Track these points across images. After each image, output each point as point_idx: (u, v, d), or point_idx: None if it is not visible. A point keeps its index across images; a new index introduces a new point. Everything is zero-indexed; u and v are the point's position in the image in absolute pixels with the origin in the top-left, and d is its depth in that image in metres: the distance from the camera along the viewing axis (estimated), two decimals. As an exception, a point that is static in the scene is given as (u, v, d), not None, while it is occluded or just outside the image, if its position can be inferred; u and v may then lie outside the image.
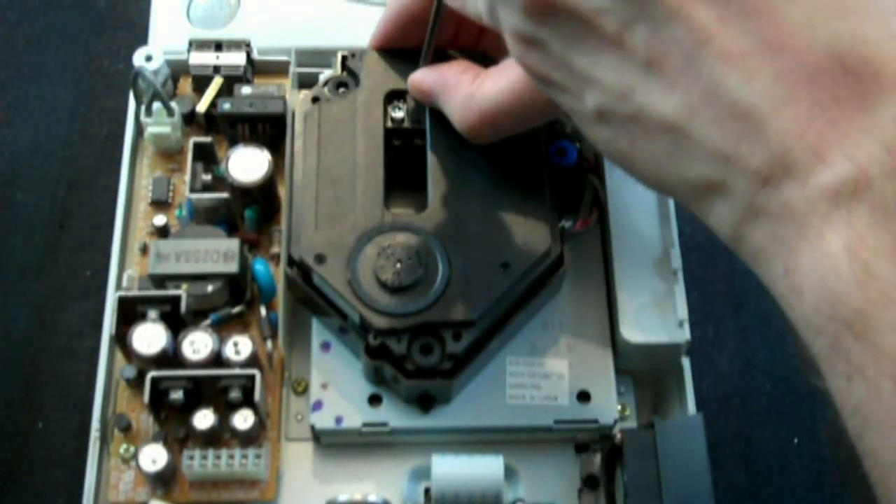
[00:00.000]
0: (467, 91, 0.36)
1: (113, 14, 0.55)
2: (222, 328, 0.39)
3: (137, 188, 0.44)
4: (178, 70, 0.45)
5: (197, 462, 0.37)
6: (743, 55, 0.24)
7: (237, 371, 0.37)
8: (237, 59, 0.44)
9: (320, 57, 0.45)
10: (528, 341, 0.40)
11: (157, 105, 0.43)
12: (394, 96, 0.42)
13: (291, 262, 0.39)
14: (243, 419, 0.37)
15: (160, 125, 0.43)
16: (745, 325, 0.50)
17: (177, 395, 0.37)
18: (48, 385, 0.45)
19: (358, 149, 0.40)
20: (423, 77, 0.39)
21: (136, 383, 0.38)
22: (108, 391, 0.39)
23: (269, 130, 0.43)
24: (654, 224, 0.42)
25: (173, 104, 0.43)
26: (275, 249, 0.42)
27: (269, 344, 0.40)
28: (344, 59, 0.42)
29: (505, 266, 0.38)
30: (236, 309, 0.40)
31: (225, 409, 0.37)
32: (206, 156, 0.42)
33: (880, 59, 0.24)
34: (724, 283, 0.51)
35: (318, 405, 0.39)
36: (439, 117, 0.41)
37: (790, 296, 0.25)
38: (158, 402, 0.37)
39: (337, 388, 0.39)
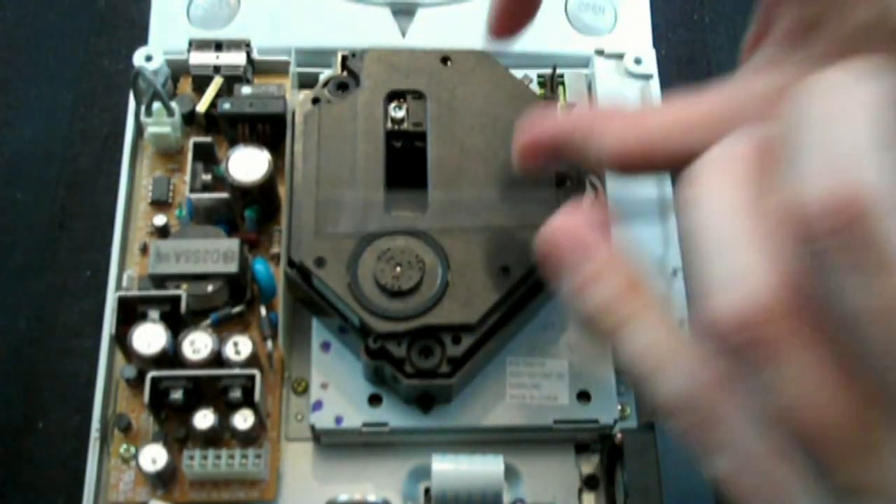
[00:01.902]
0: (629, 118, 0.32)
1: (113, 14, 0.55)
2: (222, 328, 0.39)
3: (137, 188, 0.44)
4: (178, 70, 0.45)
5: (197, 462, 0.37)
6: None
7: (237, 371, 0.37)
8: (237, 59, 0.44)
9: (320, 57, 0.45)
10: (528, 341, 0.40)
11: (157, 105, 0.43)
12: (394, 96, 0.42)
13: (291, 263, 0.39)
14: (243, 419, 0.37)
15: (160, 125, 0.43)
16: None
17: (177, 395, 0.37)
18: (48, 385, 0.45)
19: (358, 151, 0.40)
20: (547, 120, 0.35)
21: (136, 383, 0.38)
22: (108, 391, 0.39)
23: (269, 130, 0.43)
24: (654, 224, 0.42)
25: (173, 104, 0.43)
26: (275, 249, 0.42)
27: (269, 344, 0.40)
28: (344, 59, 0.42)
29: (505, 269, 0.38)
30: (236, 309, 0.40)
31: (225, 409, 0.37)
32: (206, 156, 0.42)
33: None
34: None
35: (318, 405, 0.39)
36: (440, 119, 0.41)
37: None
38: (158, 402, 0.37)
39: (337, 388, 0.39)
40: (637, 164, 0.32)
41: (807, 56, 0.30)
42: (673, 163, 0.31)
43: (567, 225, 0.27)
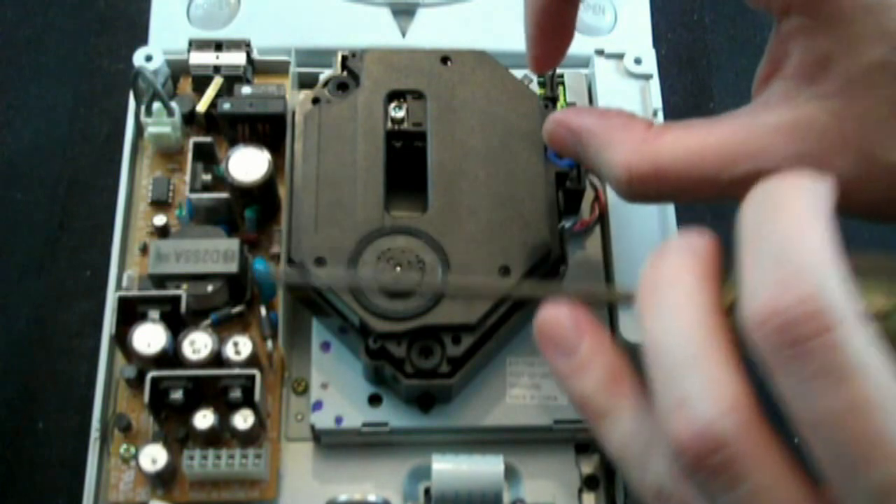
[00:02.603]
0: (642, 135, 0.32)
1: (113, 14, 0.55)
2: (222, 328, 0.39)
3: (137, 188, 0.44)
4: (178, 70, 0.45)
5: (197, 462, 0.37)
6: None
7: (237, 371, 0.37)
8: (237, 59, 0.44)
9: (320, 57, 0.45)
10: (528, 341, 0.40)
11: (157, 105, 0.43)
12: (394, 96, 0.42)
13: (292, 263, 0.39)
14: (243, 419, 0.37)
15: (160, 125, 0.43)
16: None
17: (177, 395, 0.37)
18: (48, 385, 0.45)
19: (358, 151, 0.40)
20: (575, 115, 0.35)
21: (136, 383, 0.38)
22: (108, 391, 0.39)
23: (269, 130, 0.43)
24: (654, 224, 0.42)
25: (173, 104, 0.43)
26: (275, 249, 0.42)
27: (269, 344, 0.40)
28: (344, 59, 0.42)
29: (505, 269, 0.38)
30: (236, 309, 0.40)
31: (225, 409, 0.37)
32: (206, 156, 0.42)
33: None
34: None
35: (318, 405, 0.39)
36: (440, 119, 0.41)
37: None
38: (158, 402, 0.37)
39: (337, 388, 0.39)
40: (646, 184, 0.32)
41: (819, 93, 0.30)
42: (678, 189, 0.31)
43: (554, 317, 0.28)
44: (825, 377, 0.22)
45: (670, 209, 0.43)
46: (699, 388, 0.24)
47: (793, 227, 0.23)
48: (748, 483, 0.23)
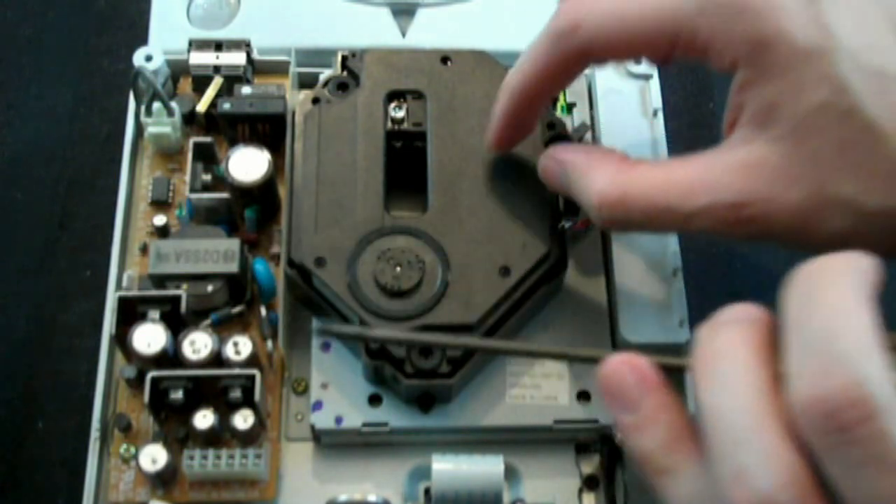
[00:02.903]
0: (616, 166, 0.35)
1: (113, 14, 0.55)
2: (222, 328, 0.39)
3: (137, 188, 0.44)
4: (178, 70, 0.45)
5: (197, 462, 0.37)
6: None
7: (237, 371, 0.37)
8: (237, 59, 0.44)
9: (320, 57, 0.45)
10: (528, 341, 0.40)
11: (157, 105, 0.43)
12: (394, 96, 0.42)
13: (291, 263, 0.39)
14: (243, 419, 0.37)
15: (160, 125, 0.43)
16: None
17: (177, 395, 0.37)
18: (48, 385, 0.45)
19: (358, 151, 0.40)
20: (563, 150, 0.37)
21: (136, 383, 0.38)
22: (108, 391, 0.39)
23: (269, 130, 0.43)
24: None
25: (173, 104, 0.43)
26: (275, 249, 0.42)
27: (269, 344, 0.40)
28: (344, 59, 0.43)
29: (505, 269, 0.38)
30: (236, 309, 0.40)
31: (225, 409, 0.37)
32: (206, 156, 0.42)
33: None
34: (723, 283, 0.50)
35: (318, 405, 0.39)
36: (440, 119, 0.41)
37: None
38: (158, 402, 0.37)
39: (337, 388, 0.39)
40: (614, 210, 0.34)
41: (771, 137, 0.32)
42: (645, 217, 0.33)
43: (618, 371, 0.28)
44: (871, 465, 0.23)
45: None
46: (757, 460, 0.24)
47: (835, 313, 0.24)
48: None
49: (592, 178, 0.35)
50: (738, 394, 0.25)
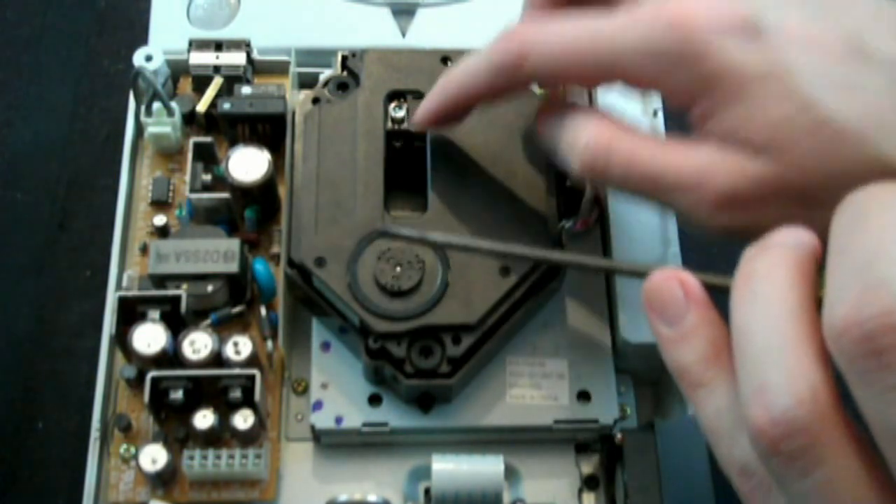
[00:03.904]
0: (612, 122, 0.35)
1: (113, 14, 0.55)
2: (222, 328, 0.39)
3: (137, 188, 0.44)
4: (178, 70, 0.45)
5: (197, 462, 0.37)
6: None
7: (237, 371, 0.37)
8: (237, 59, 0.44)
9: (320, 57, 0.45)
10: (528, 341, 0.40)
11: (157, 105, 0.43)
12: (394, 96, 0.42)
13: (291, 263, 0.39)
14: (243, 419, 0.37)
15: (160, 125, 0.43)
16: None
17: (177, 395, 0.37)
18: (48, 385, 0.45)
19: (358, 151, 0.40)
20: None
21: (136, 383, 0.38)
22: (108, 391, 0.39)
23: (269, 130, 0.43)
24: (654, 224, 0.42)
25: (173, 104, 0.43)
26: (275, 249, 0.42)
27: (269, 344, 0.40)
28: (344, 59, 0.43)
29: (505, 269, 0.38)
30: (236, 309, 0.40)
31: (225, 409, 0.37)
32: (206, 156, 0.42)
33: None
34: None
35: (318, 405, 0.39)
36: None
37: None
38: (158, 402, 0.37)
39: (337, 388, 0.39)
40: (597, 158, 0.34)
41: (750, 153, 0.31)
42: (625, 174, 0.33)
43: (664, 283, 0.28)
44: None
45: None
46: (780, 376, 0.24)
47: (881, 238, 0.24)
48: (821, 471, 0.24)
49: (585, 124, 0.35)
50: (769, 313, 0.25)
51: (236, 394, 0.37)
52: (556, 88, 0.40)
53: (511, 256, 0.37)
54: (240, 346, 0.38)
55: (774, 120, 0.31)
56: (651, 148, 0.33)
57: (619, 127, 0.34)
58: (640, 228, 0.42)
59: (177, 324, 0.38)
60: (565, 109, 0.36)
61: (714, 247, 0.49)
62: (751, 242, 0.28)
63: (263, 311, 0.40)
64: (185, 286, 0.38)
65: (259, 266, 0.40)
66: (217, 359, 0.38)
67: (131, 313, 0.38)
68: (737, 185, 0.31)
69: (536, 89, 0.46)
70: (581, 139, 0.34)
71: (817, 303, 0.25)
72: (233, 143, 0.42)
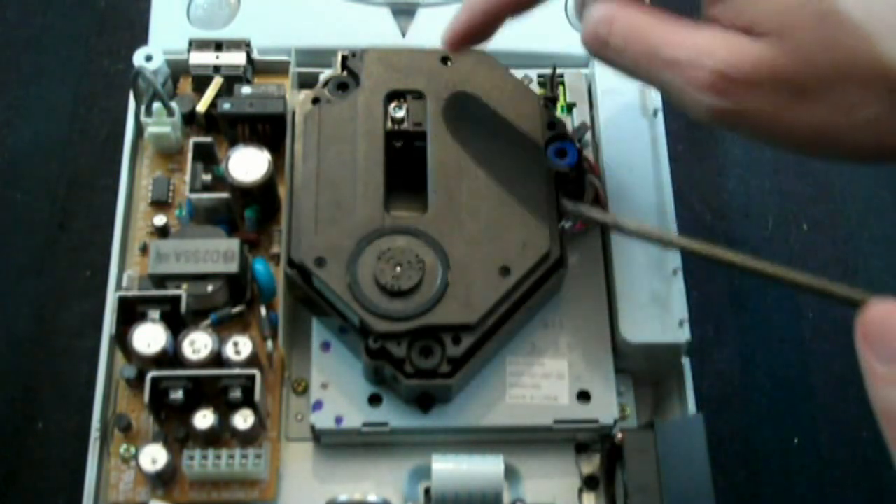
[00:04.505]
0: None
1: (113, 14, 0.55)
2: (222, 328, 0.39)
3: (137, 188, 0.44)
4: (178, 70, 0.45)
5: (197, 462, 0.37)
6: None
7: (237, 371, 0.37)
8: (237, 59, 0.44)
9: (320, 57, 0.45)
10: (528, 341, 0.40)
11: (157, 105, 0.43)
12: (394, 96, 0.42)
13: (291, 263, 0.39)
14: (243, 419, 0.37)
15: (160, 125, 0.43)
16: (745, 325, 0.50)
17: (177, 395, 0.37)
18: (48, 385, 0.45)
19: (358, 151, 0.40)
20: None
21: (136, 383, 0.38)
22: (108, 391, 0.39)
23: (269, 130, 0.43)
24: (654, 224, 0.42)
25: (173, 104, 0.43)
26: (275, 249, 0.42)
27: (269, 344, 0.40)
28: (344, 59, 0.43)
29: (505, 269, 0.38)
30: (236, 309, 0.40)
31: (225, 409, 0.37)
32: (206, 156, 0.42)
33: None
34: (724, 283, 0.51)
35: (318, 405, 0.39)
36: (440, 119, 0.41)
37: None
38: (158, 402, 0.37)
39: (337, 388, 0.39)
40: (599, 29, 0.34)
41: (755, 34, 0.32)
42: (626, 46, 0.34)
43: (884, 317, 0.26)
44: None
45: (671, 210, 0.43)
46: None
47: None
48: None
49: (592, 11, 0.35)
50: None
51: (236, 394, 0.37)
52: None
53: (711, 258, 0.36)
54: (240, 346, 0.38)
55: (783, 4, 0.31)
56: (653, 23, 0.34)
57: (628, 1, 0.35)
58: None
59: (177, 324, 0.38)
60: None
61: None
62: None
63: (263, 311, 0.40)
64: (185, 286, 0.38)
65: (259, 266, 0.40)
66: (217, 359, 0.38)
67: (131, 313, 0.38)
68: (733, 64, 0.31)
69: (537, 89, 0.46)
70: (592, 12, 0.35)
71: None
72: (233, 143, 0.42)
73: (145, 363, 0.37)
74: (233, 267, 0.39)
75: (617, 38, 0.34)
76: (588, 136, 0.45)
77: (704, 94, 0.32)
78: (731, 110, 0.32)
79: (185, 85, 0.45)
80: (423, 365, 0.37)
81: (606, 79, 0.46)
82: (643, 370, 0.42)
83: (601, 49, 0.35)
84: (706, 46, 0.32)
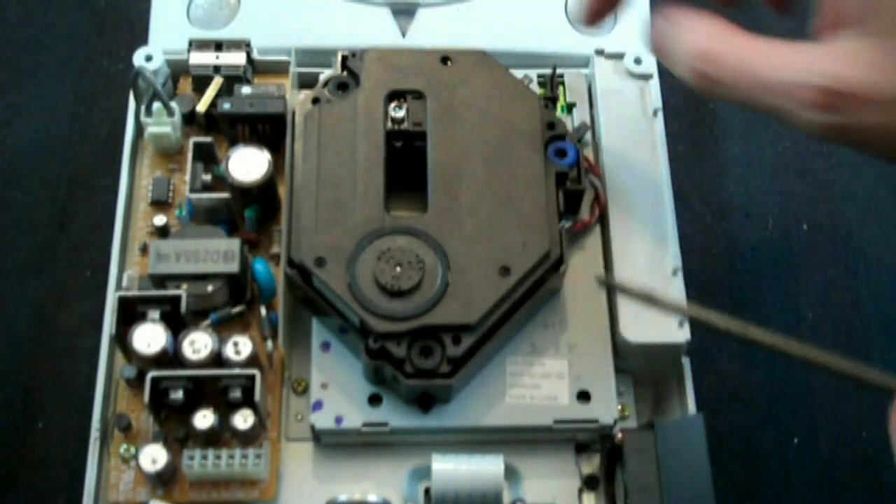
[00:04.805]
0: (718, 26, 0.35)
1: (113, 14, 0.55)
2: (222, 328, 0.39)
3: (137, 188, 0.44)
4: (178, 70, 0.45)
5: (197, 462, 0.37)
6: None
7: (237, 371, 0.37)
8: (237, 59, 0.44)
9: (320, 57, 0.45)
10: (528, 341, 0.40)
11: (157, 105, 0.43)
12: (394, 96, 0.42)
13: (291, 263, 0.39)
14: (243, 419, 0.37)
15: (160, 125, 0.43)
16: (745, 325, 0.50)
17: (177, 395, 0.37)
18: (48, 385, 0.45)
19: (358, 151, 0.40)
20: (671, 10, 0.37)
21: (136, 383, 0.38)
22: (108, 391, 0.39)
23: (269, 130, 0.43)
24: (654, 224, 0.42)
25: (173, 104, 0.43)
26: (275, 249, 0.42)
27: (269, 344, 0.40)
28: (344, 59, 0.43)
29: (505, 269, 0.38)
30: (236, 309, 0.40)
31: (225, 409, 0.37)
32: (206, 156, 0.42)
33: None
34: (724, 283, 0.51)
35: (318, 405, 0.39)
36: (440, 119, 0.41)
37: None
38: (158, 402, 0.37)
39: (337, 388, 0.39)
40: (707, 66, 0.34)
41: (870, 32, 0.32)
42: (735, 78, 0.33)
43: None
44: None
45: (671, 210, 0.43)
46: None
47: None
48: None
49: (696, 29, 0.35)
50: None
51: (236, 394, 0.37)
52: None
53: (753, 341, 0.35)
54: (240, 346, 0.38)
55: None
56: (748, 46, 0.33)
57: (727, 30, 0.34)
58: (640, 228, 0.42)
59: (177, 324, 0.38)
60: (676, 13, 0.36)
61: (714, 247, 0.50)
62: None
63: (263, 311, 0.40)
64: (185, 286, 0.38)
65: (259, 266, 0.40)
66: (217, 359, 0.38)
67: (131, 313, 0.38)
68: (840, 76, 0.31)
69: (537, 89, 0.46)
70: (683, 41, 0.35)
71: None
72: (233, 143, 0.42)
73: (145, 363, 0.37)
74: (233, 267, 0.39)
75: (716, 68, 0.34)
76: (588, 136, 0.45)
77: (815, 112, 0.31)
78: (843, 126, 0.31)
79: (185, 85, 0.45)
80: (423, 365, 0.37)
81: (606, 79, 0.46)
82: (643, 370, 0.42)
83: (700, 80, 0.35)
84: (809, 62, 0.32)
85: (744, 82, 0.33)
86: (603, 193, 0.43)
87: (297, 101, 0.43)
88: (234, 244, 0.39)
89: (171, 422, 0.38)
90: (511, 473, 0.39)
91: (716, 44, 0.34)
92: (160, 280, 0.39)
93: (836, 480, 0.48)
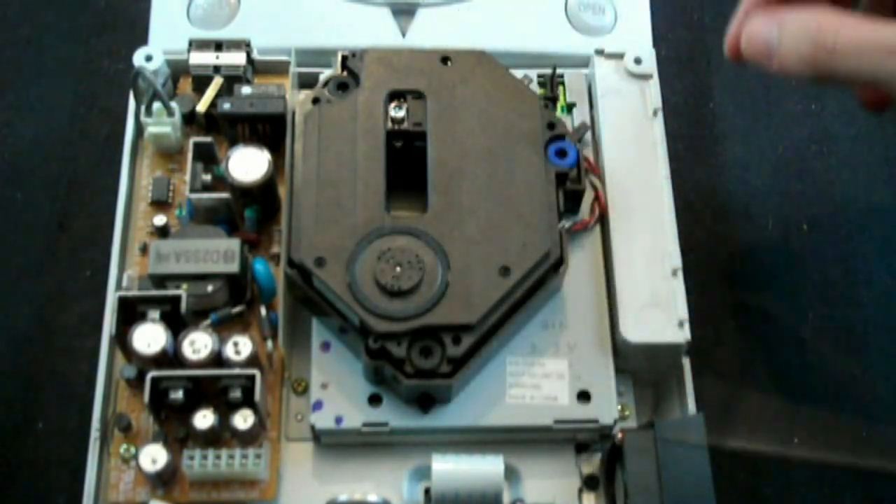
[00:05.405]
0: (828, 16, 0.36)
1: (113, 14, 0.55)
2: (222, 328, 0.40)
3: (137, 188, 0.44)
4: (178, 70, 0.45)
5: (197, 462, 0.37)
6: None
7: (237, 371, 0.37)
8: (237, 59, 0.44)
9: (320, 57, 0.45)
10: (528, 341, 0.40)
11: (157, 105, 0.43)
12: (394, 96, 0.42)
13: (291, 263, 0.39)
14: (243, 419, 0.37)
15: (160, 125, 0.43)
16: (745, 325, 0.50)
17: (177, 395, 0.37)
18: (48, 385, 0.45)
19: (358, 151, 0.40)
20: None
21: (136, 383, 0.38)
22: (108, 391, 0.39)
23: (269, 130, 0.43)
24: (654, 224, 0.42)
25: (173, 104, 0.43)
26: (275, 249, 0.42)
27: (269, 344, 0.40)
28: (344, 59, 0.43)
29: (505, 269, 0.38)
30: (236, 309, 0.40)
31: (225, 409, 0.37)
32: (206, 156, 0.42)
33: None
34: (724, 283, 0.50)
35: (318, 405, 0.39)
36: (440, 119, 0.41)
37: None
38: (158, 402, 0.37)
39: (337, 388, 0.39)
40: (820, 57, 0.35)
41: None
42: (853, 67, 0.34)
43: None
44: None
45: (671, 209, 0.43)
46: None
47: None
48: None
49: (801, 13, 0.35)
50: None
51: (236, 394, 0.37)
52: None
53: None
54: (240, 346, 0.38)
55: None
56: (868, 28, 0.34)
57: (838, 15, 0.35)
58: (640, 228, 0.42)
59: (177, 324, 0.38)
60: (777, 12, 0.36)
61: (714, 247, 0.50)
62: None
63: (263, 311, 0.40)
64: (185, 286, 0.38)
65: (259, 266, 0.40)
66: (217, 359, 0.38)
67: (131, 313, 0.38)
68: None
69: (537, 89, 0.46)
70: (807, 24, 0.35)
71: None
72: (233, 143, 0.42)
73: (145, 363, 0.37)
74: (233, 267, 0.39)
75: (834, 36, 0.34)
76: (588, 136, 0.45)
77: None
78: None
79: (185, 85, 0.45)
80: (423, 365, 0.37)
81: (606, 79, 0.46)
82: (643, 370, 0.42)
83: (818, 52, 0.35)
84: None
85: (867, 46, 0.34)
86: (603, 193, 0.43)
87: (297, 101, 0.43)
88: (234, 244, 0.39)
89: (171, 422, 0.38)
90: (511, 473, 0.39)
91: (831, 16, 0.34)
92: (160, 280, 0.39)
93: (836, 480, 0.48)
